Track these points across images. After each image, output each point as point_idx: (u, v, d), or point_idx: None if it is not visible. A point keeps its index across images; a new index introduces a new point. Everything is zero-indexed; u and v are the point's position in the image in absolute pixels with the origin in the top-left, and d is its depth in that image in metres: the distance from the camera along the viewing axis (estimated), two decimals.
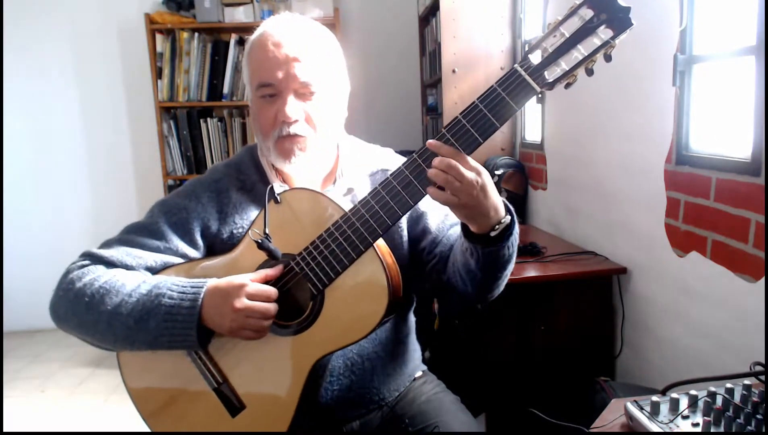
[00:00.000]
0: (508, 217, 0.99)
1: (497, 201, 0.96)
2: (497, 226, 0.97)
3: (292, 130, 1.07)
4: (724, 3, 1.54)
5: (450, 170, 0.91)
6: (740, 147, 1.45)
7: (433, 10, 3.07)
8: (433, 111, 3.28)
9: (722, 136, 1.55)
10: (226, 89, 3.30)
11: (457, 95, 2.93)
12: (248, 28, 3.28)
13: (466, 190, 0.91)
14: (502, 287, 1.13)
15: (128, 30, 3.46)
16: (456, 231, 1.17)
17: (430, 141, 0.95)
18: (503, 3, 2.89)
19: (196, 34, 3.25)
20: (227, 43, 3.27)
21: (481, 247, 0.99)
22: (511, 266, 1.09)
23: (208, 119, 3.34)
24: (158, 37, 3.26)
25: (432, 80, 3.25)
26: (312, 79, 1.07)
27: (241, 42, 3.28)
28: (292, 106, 1.07)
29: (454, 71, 2.91)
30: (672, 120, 1.68)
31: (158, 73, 3.28)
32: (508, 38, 2.91)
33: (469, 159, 0.93)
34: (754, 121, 1.37)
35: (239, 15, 3.26)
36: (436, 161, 0.92)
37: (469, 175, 0.91)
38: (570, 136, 2.39)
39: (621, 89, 1.90)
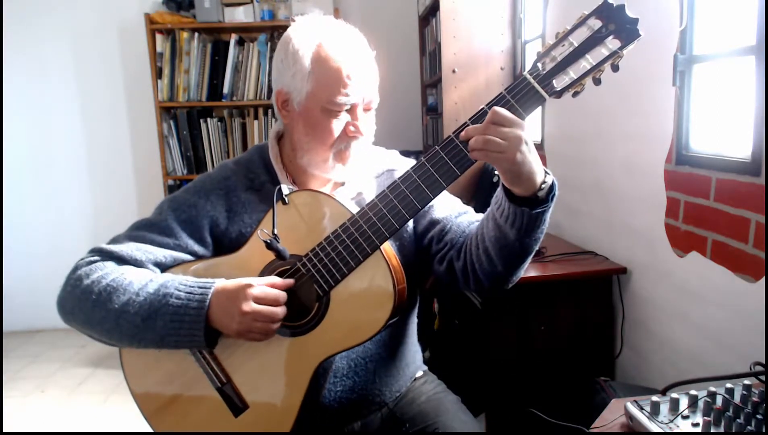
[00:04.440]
0: (550, 177, 0.98)
1: (539, 161, 0.95)
2: (543, 185, 0.96)
3: (360, 142, 1.10)
4: (724, 3, 1.54)
5: (488, 130, 0.90)
6: (740, 147, 1.45)
7: (433, 10, 3.07)
8: (433, 111, 3.28)
9: (722, 136, 1.55)
10: (226, 89, 3.30)
11: (457, 95, 2.93)
12: (248, 28, 3.30)
13: (514, 145, 0.89)
14: (526, 266, 1.09)
15: (128, 30, 3.46)
16: (466, 219, 1.17)
17: (452, 135, 0.94)
18: (503, 3, 2.89)
19: (196, 34, 3.25)
20: (227, 43, 3.27)
21: (529, 208, 0.97)
22: (539, 244, 1.06)
23: (208, 119, 3.34)
24: (158, 37, 3.26)
25: (432, 80, 3.25)
26: (374, 97, 1.11)
27: (241, 42, 3.29)
28: (363, 122, 1.10)
29: (454, 71, 2.91)
30: (672, 120, 1.68)
31: (158, 73, 3.28)
32: (508, 38, 2.91)
33: (506, 112, 0.91)
34: (754, 121, 1.37)
35: (239, 15, 3.26)
36: (470, 129, 0.92)
37: (512, 130, 0.89)
38: (570, 135, 2.39)
39: (621, 89, 1.91)
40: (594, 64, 0.91)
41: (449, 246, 1.15)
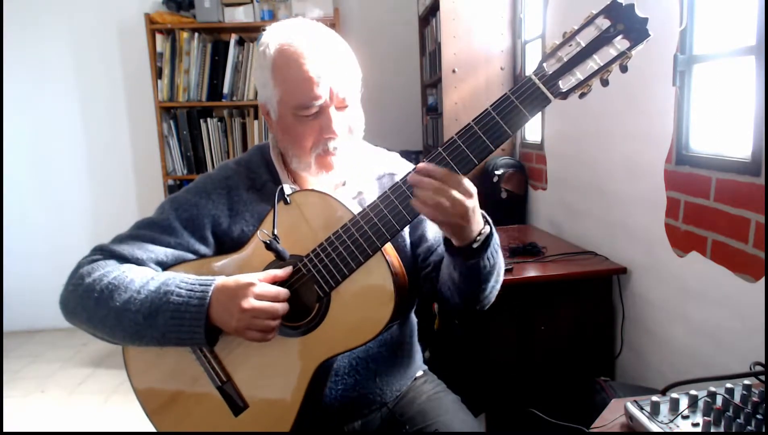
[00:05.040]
0: (488, 228, 0.99)
1: (480, 217, 0.96)
2: (478, 238, 0.97)
3: (337, 144, 1.08)
4: (724, 3, 1.54)
5: (439, 194, 0.90)
6: (740, 147, 1.45)
7: (433, 10, 3.07)
8: (433, 111, 3.28)
9: (722, 136, 1.55)
10: (226, 89, 3.30)
11: (457, 95, 2.93)
12: (248, 28, 3.30)
13: (459, 213, 0.91)
14: (491, 299, 1.12)
15: (128, 30, 3.46)
16: None
17: (421, 165, 0.94)
18: (503, 3, 2.89)
19: (196, 34, 3.25)
20: (227, 43, 3.27)
21: (461, 260, 0.99)
22: (496, 278, 1.08)
23: (208, 119, 3.34)
24: (158, 37, 3.26)
25: (432, 80, 3.25)
26: (348, 93, 1.08)
27: (241, 42, 3.29)
28: (337, 123, 1.07)
29: (454, 71, 2.91)
30: (672, 120, 1.68)
31: (158, 73, 3.28)
32: (508, 38, 2.91)
33: (464, 181, 0.92)
34: (754, 121, 1.37)
35: (239, 15, 3.26)
36: (425, 182, 0.91)
37: (462, 199, 0.90)
38: (570, 136, 2.39)
39: (621, 89, 1.90)
40: (602, 64, 0.89)
41: (432, 267, 1.16)
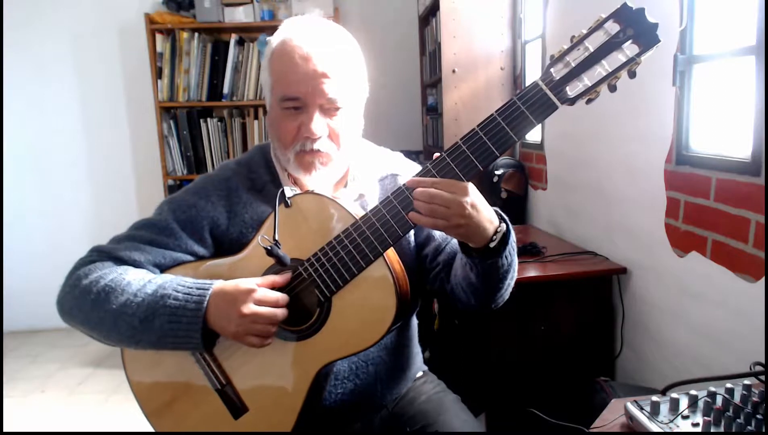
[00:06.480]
0: (504, 226, 0.98)
1: (490, 212, 0.96)
2: (494, 237, 0.96)
3: (316, 146, 1.07)
4: (724, 3, 1.54)
5: (434, 200, 0.90)
6: (740, 147, 1.45)
7: (433, 10, 3.07)
8: (433, 111, 3.28)
9: (722, 136, 1.55)
10: (226, 89, 3.30)
11: (457, 95, 2.93)
12: (248, 28, 3.30)
13: (457, 213, 0.91)
14: (506, 296, 1.12)
15: (128, 30, 3.46)
16: None
17: (408, 181, 0.94)
18: (503, 3, 2.89)
19: (196, 34, 3.25)
20: (227, 43, 3.27)
21: (480, 260, 0.99)
22: (513, 275, 1.08)
23: (208, 119, 3.34)
24: (158, 37, 3.26)
25: (432, 80, 3.25)
26: (339, 95, 1.05)
27: (241, 42, 3.29)
28: (318, 123, 1.05)
29: (454, 71, 2.91)
30: (672, 120, 1.68)
31: (158, 73, 3.28)
32: (508, 38, 2.92)
33: (456, 181, 0.92)
34: (754, 121, 1.37)
35: (239, 15, 3.26)
36: (416, 193, 0.91)
37: (456, 198, 0.90)
38: (570, 136, 2.39)
39: (621, 89, 1.89)
40: (610, 70, 0.87)
41: (441, 266, 1.15)
